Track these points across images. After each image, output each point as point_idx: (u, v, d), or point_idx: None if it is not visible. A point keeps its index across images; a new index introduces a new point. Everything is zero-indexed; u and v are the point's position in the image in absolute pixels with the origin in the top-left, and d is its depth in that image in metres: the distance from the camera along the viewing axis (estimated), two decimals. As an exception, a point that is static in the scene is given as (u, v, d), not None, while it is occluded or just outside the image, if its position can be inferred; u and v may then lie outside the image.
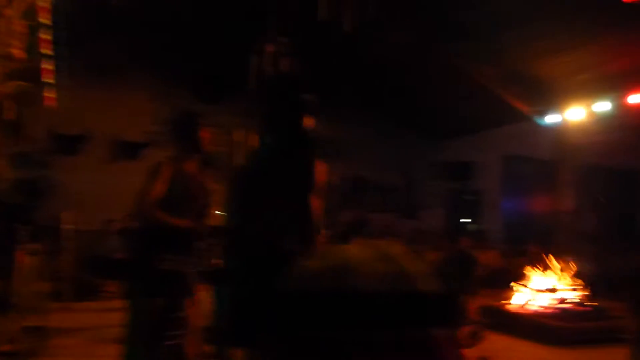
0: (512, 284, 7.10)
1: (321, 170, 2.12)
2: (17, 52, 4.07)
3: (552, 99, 10.11)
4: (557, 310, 6.13)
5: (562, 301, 6.31)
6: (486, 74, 9.76)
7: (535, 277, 6.81)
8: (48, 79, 4.49)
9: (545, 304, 6.30)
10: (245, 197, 2.29)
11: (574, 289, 6.63)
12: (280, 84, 2.32)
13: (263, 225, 2.12)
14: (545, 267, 6.92)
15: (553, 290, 6.46)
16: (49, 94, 4.59)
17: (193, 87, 9.13)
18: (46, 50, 4.45)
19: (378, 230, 10.63)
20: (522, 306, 6.38)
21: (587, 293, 6.68)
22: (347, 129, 12.31)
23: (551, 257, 7.00)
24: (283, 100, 2.22)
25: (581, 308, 6.28)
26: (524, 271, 7.14)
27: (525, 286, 6.76)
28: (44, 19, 4.40)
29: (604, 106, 9.37)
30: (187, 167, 2.90)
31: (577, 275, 7.01)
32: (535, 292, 6.51)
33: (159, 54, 9.31)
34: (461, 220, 13.72)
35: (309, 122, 2.27)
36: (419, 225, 12.29)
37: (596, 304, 6.46)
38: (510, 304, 6.63)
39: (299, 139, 2.23)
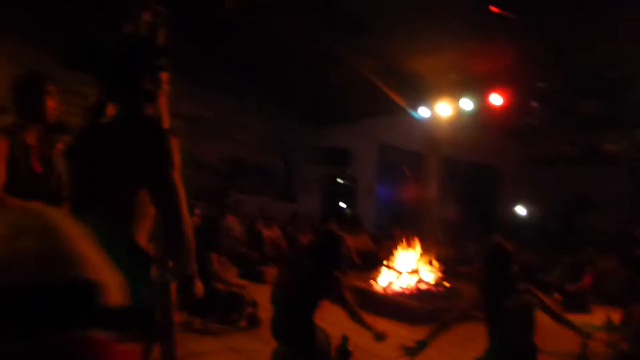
0: (379, 266, 7.53)
1: (174, 147, 1.85)
2: None
3: (425, 93, 10.77)
4: (415, 291, 6.60)
5: (421, 282, 6.80)
6: (367, 65, 10.12)
7: (399, 260, 7.27)
8: None
9: (406, 285, 6.74)
10: (73, 177, 1.99)
11: (432, 271, 7.18)
12: (138, 50, 2.02)
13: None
14: (408, 251, 7.41)
15: (413, 272, 6.94)
16: None
17: (58, 51, 8.35)
18: None
19: (254, 213, 10.61)
20: (386, 287, 6.77)
21: (443, 275, 7.28)
22: (227, 109, 12.11)
23: (414, 241, 7.50)
24: (134, 68, 1.96)
25: (437, 289, 6.82)
26: (390, 254, 7.60)
27: (390, 268, 7.18)
28: None
29: (468, 104, 10.14)
30: (28, 139, 2.56)
31: (436, 258, 7.61)
32: (397, 273, 6.94)
33: (25, 14, 8.40)
34: (337, 204, 14.18)
35: (158, 93, 2.04)
36: (297, 209, 12.50)
37: (449, 285, 7.06)
38: (375, 284, 7.01)
39: (144, 114, 1.96)
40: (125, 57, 1.99)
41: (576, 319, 6.93)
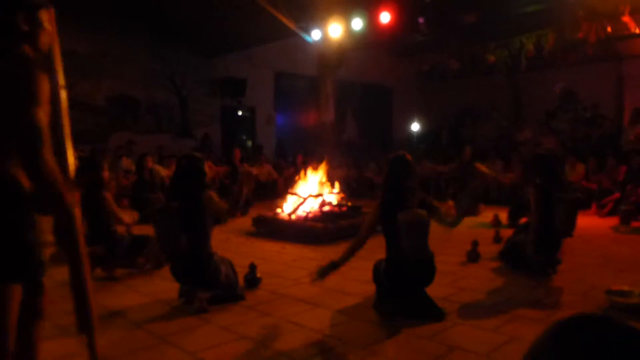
0: (283, 194, 7.61)
1: (39, 83, 1.78)
2: None
3: (315, 15, 10.56)
4: (319, 214, 6.78)
5: (324, 204, 6.98)
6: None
7: (302, 186, 7.37)
8: None
9: (310, 209, 6.89)
10: None
11: (334, 193, 7.38)
12: None
13: None
14: (311, 176, 7.52)
15: (317, 196, 7.09)
16: None
17: None
18: None
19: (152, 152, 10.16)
20: (291, 213, 6.88)
21: (344, 195, 7.52)
22: (111, 46, 11.22)
23: (316, 165, 7.61)
24: (7, 7, 1.88)
25: (340, 209, 7.04)
26: (293, 181, 7.68)
27: (293, 194, 7.28)
28: None
29: (358, 23, 10.11)
30: None
31: (338, 180, 7.81)
32: (301, 199, 7.05)
33: None
34: (237, 136, 13.95)
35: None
36: (195, 145, 12.14)
37: (350, 204, 7.32)
38: (281, 212, 7.10)
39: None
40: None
41: (468, 220, 7.56)
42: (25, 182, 1.81)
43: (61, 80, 2.11)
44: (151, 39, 11.82)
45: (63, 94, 2.12)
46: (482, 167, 7.48)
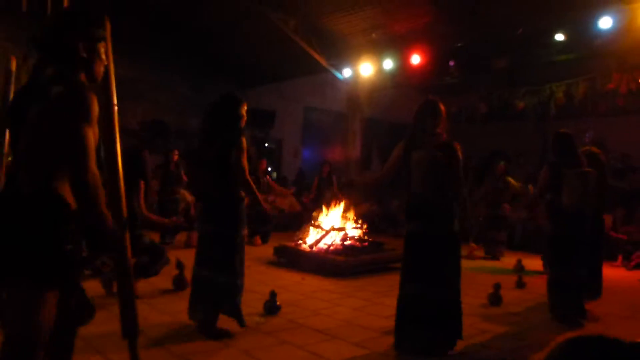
0: (306, 225, 7.65)
1: (90, 103, 1.93)
2: None
3: (347, 54, 10.83)
4: (341, 247, 6.79)
5: (345, 238, 7.00)
6: (289, 25, 9.99)
7: (325, 218, 7.42)
8: None
9: (332, 242, 6.91)
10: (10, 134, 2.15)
11: (356, 227, 7.40)
12: (73, 18, 2.12)
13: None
14: (335, 209, 7.57)
15: (339, 230, 7.12)
16: None
17: None
18: None
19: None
20: (312, 245, 6.91)
21: (366, 230, 7.53)
22: (149, 72, 11.62)
23: (340, 199, 7.67)
24: (68, 34, 2.05)
25: (360, 244, 7.05)
26: (316, 213, 7.73)
27: (316, 227, 7.32)
28: None
29: (388, 64, 10.32)
30: None
31: (361, 215, 7.84)
32: (323, 231, 7.09)
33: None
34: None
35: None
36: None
37: (372, 239, 7.32)
38: (303, 244, 7.13)
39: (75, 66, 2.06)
40: (61, 23, 2.08)
41: (490, 265, 7.46)
42: (70, 199, 1.94)
43: (114, 99, 2.32)
44: (187, 69, 12.20)
45: (115, 111, 2.32)
46: (513, 181, 7.50)
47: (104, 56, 2.16)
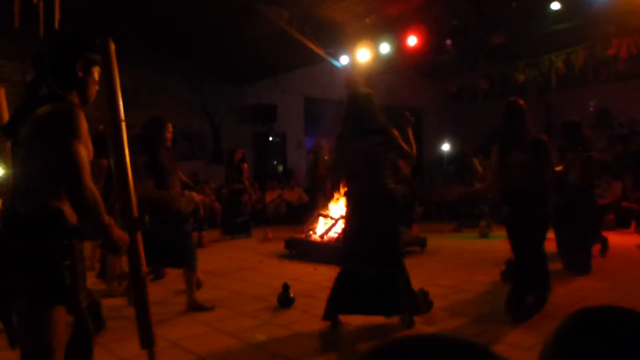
0: (314, 216, 7.67)
1: (77, 118, 1.98)
2: None
3: (343, 41, 10.76)
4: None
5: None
6: (283, 16, 9.93)
7: (332, 208, 7.43)
8: None
9: (340, 230, 6.91)
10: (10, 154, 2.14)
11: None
12: (70, 39, 2.20)
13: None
14: (342, 198, 7.57)
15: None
16: None
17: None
18: None
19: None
20: (322, 235, 6.92)
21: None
22: (148, 77, 11.63)
23: (344, 187, 7.65)
24: (65, 54, 2.12)
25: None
26: (323, 204, 7.74)
27: (324, 217, 7.33)
28: None
29: (385, 48, 10.25)
30: None
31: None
32: (332, 220, 7.10)
33: None
34: (269, 162, 14.16)
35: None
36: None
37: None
38: (313, 234, 7.15)
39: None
40: (61, 44, 2.16)
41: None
42: (70, 214, 1.96)
43: (121, 114, 2.33)
44: (185, 70, 12.21)
45: (123, 127, 2.34)
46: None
47: (97, 78, 2.20)
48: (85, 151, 1.97)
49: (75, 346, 2.04)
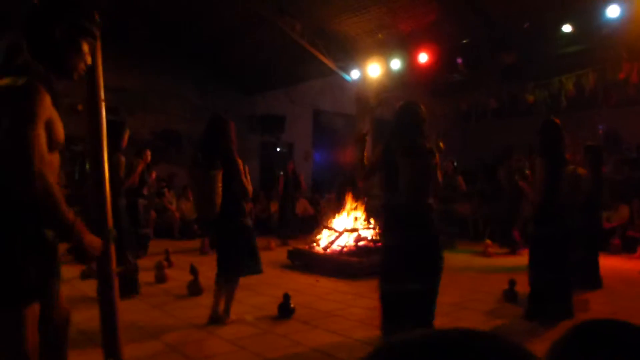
0: (319, 228, 7.67)
1: (38, 103, 1.69)
2: None
3: (355, 55, 10.83)
4: (354, 248, 6.79)
5: (359, 239, 7.00)
6: (295, 29, 10.02)
7: (337, 221, 7.43)
8: None
9: (344, 243, 6.92)
10: None
11: (368, 228, 7.39)
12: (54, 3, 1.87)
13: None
14: (346, 211, 7.57)
15: (351, 231, 7.12)
16: None
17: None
18: None
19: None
20: (326, 247, 6.92)
21: (379, 231, 7.51)
22: (158, 83, 11.74)
23: (351, 201, 7.66)
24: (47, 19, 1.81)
25: (374, 244, 7.03)
26: (329, 216, 7.75)
27: (329, 229, 7.33)
28: None
29: (396, 64, 10.30)
30: None
31: (371, 216, 7.83)
32: (336, 233, 7.09)
33: None
34: (275, 172, 14.15)
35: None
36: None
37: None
38: (316, 246, 7.14)
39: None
40: (43, 8, 1.84)
41: (507, 261, 7.41)
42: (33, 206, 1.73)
43: (101, 94, 2.13)
44: (195, 76, 12.31)
45: (102, 108, 2.14)
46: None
47: (87, 52, 1.92)
48: (44, 135, 1.70)
49: (49, 349, 1.90)
